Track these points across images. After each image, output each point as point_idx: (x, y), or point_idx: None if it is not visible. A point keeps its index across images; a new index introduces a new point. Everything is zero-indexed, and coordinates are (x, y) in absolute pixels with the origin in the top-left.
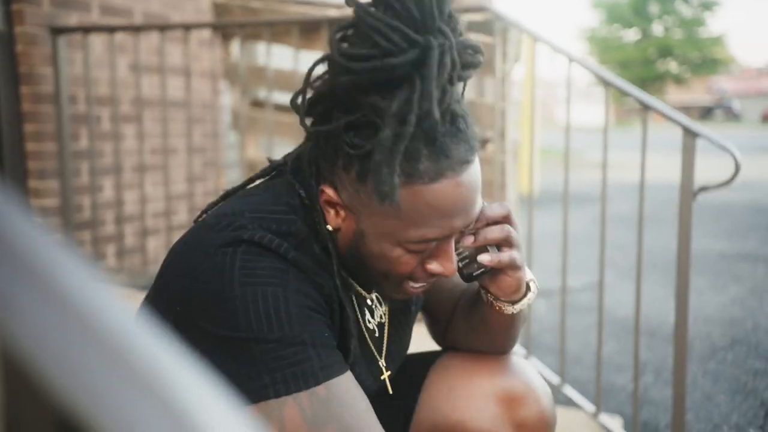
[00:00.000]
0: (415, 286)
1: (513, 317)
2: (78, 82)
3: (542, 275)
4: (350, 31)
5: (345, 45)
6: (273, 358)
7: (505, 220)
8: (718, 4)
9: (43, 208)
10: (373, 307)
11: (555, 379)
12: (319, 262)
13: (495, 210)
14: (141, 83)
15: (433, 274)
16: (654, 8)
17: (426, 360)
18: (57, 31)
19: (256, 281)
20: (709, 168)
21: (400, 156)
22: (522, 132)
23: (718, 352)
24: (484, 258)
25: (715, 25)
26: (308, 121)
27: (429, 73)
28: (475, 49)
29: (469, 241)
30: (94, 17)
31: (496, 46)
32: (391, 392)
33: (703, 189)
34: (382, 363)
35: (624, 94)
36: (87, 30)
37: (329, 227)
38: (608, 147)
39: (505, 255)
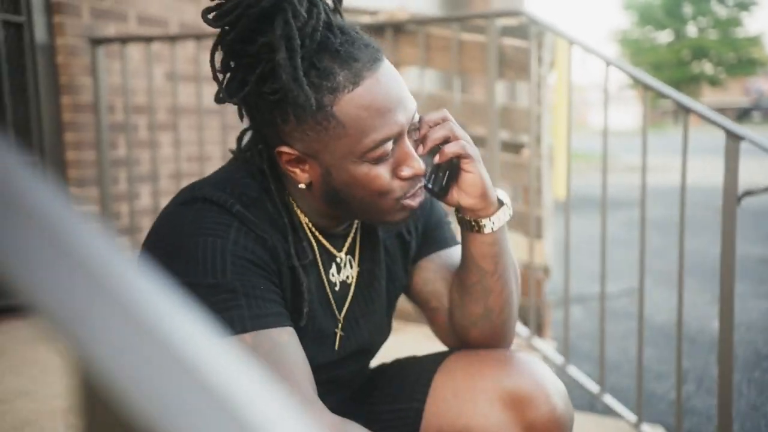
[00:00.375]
0: (405, 202)
1: (494, 243)
2: (116, 92)
3: (578, 281)
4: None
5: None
6: (206, 302)
7: (444, 122)
8: (755, 3)
9: (83, 215)
10: (341, 265)
11: (594, 388)
12: (272, 221)
13: (433, 115)
14: (177, 91)
15: (408, 178)
16: (688, 9)
17: (433, 361)
18: (96, 41)
19: (200, 232)
20: (747, 171)
21: (300, 66)
22: (556, 136)
23: (763, 361)
24: (436, 158)
25: (752, 25)
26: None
27: None
28: None
29: (420, 150)
30: (132, 27)
31: (531, 50)
32: (336, 348)
33: (748, 193)
34: (339, 318)
35: (664, 97)
36: (125, 40)
37: (302, 185)
38: (636, 150)
39: (452, 144)
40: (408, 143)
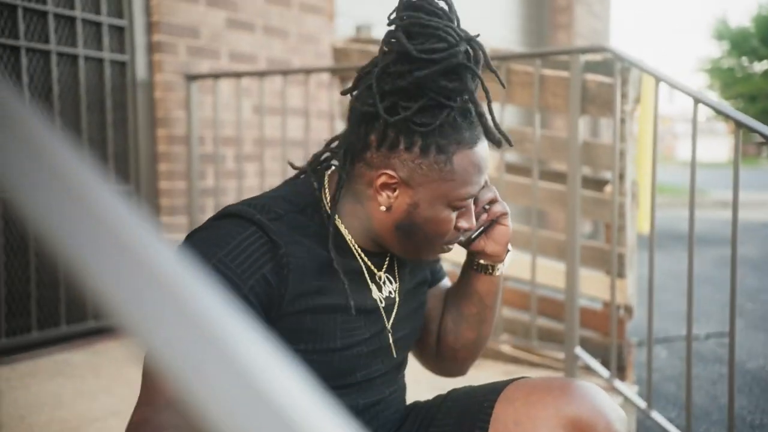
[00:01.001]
0: (448, 246)
1: (499, 281)
2: (206, 124)
3: (663, 321)
4: (409, 35)
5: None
6: None
7: (488, 185)
8: None
9: (172, 243)
10: (381, 283)
11: None
12: (301, 236)
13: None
14: (263, 124)
15: (463, 230)
16: None
17: (492, 391)
18: (191, 77)
19: (207, 242)
20: None
21: (472, 118)
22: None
23: None
24: (483, 216)
25: None
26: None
27: (477, 62)
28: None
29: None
30: (223, 64)
31: (615, 86)
32: (402, 353)
33: None
34: (389, 329)
35: (753, 131)
36: (217, 76)
37: (382, 208)
38: (718, 186)
39: (497, 205)
40: (472, 208)
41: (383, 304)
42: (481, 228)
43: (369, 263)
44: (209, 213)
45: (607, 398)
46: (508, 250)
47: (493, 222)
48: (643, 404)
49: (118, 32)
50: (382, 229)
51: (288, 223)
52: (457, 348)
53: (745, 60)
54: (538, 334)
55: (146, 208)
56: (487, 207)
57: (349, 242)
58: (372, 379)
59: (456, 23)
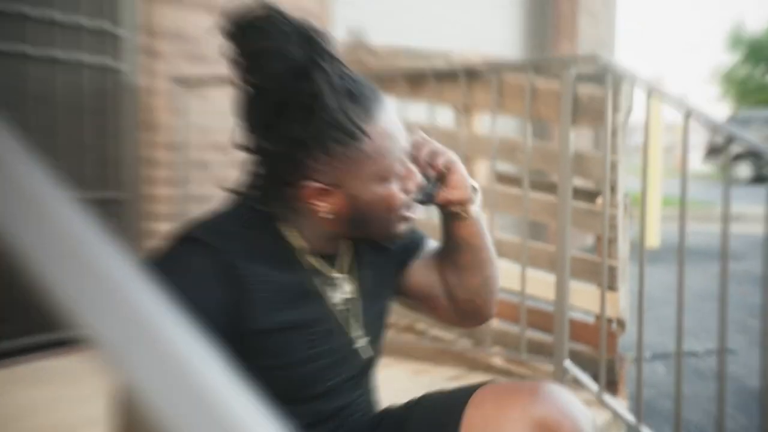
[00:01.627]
0: (409, 212)
1: (479, 222)
2: (197, 130)
3: (662, 336)
4: (244, 67)
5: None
6: None
7: (424, 142)
8: None
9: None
10: (337, 284)
11: None
12: (249, 251)
13: (414, 140)
14: None
15: (411, 191)
16: None
17: (464, 394)
18: (181, 82)
19: (162, 263)
20: None
21: (346, 107)
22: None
23: None
24: (431, 173)
25: None
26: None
27: (315, 49)
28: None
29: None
30: (214, 69)
31: (606, 97)
32: (369, 355)
33: None
34: (356, 333)
35: (744, 143)
36: (207, 81)
37: (327, 215)
38: (740, 199)
39: (440, 157)
40: (409, 164)
41: (342, 307)
42: (433, 184)
43: (321, 269)
44: None
45: (574, 399)
46: (475, 189)
47: (443, 177)
48: (632, 419)
49: (110, 38)
50: (340, 230)
51: (242, 242)
52: (469, 298)
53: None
54: (529, 346)
55: (135, 214)
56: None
57: (297, 253)
58: (338, 386)
59: (282, 23)
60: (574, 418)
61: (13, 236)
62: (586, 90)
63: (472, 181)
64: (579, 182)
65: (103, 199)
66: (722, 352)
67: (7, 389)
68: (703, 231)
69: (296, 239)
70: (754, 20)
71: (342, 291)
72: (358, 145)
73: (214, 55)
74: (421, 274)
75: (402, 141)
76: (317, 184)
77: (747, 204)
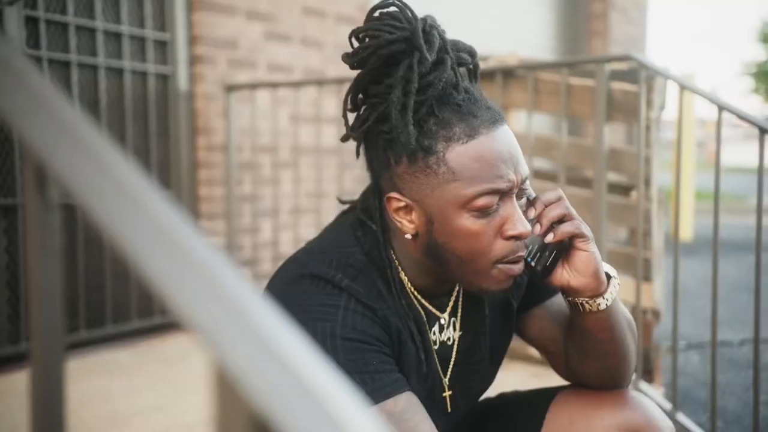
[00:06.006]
0: (504, 267)
1: (609, 316)
2: (244, 133)
3: (697, 326)
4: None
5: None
6: None
7: (559, 201)
8: None
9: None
10: (444, 325)
11: None
12: (379, 289)
13: (549, 195)
14: (299, 132)
15: (511, 237)
16: None
17: (545, 395)
18: (230, 88)
19: (310, 316)
20: None
21: (410, 107)
22: (682, 178)
23: None
24: (549, 236)
25: None
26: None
27: (419, 43)
28: (468, 51)
29: (536, 230)
30: (261, 74)
31: (640, 94)
32: (449, 410)
33: None
34: (445, 381)
35: None
36: (254, 86)
37: (408, 236)
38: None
39: (567, 224)
40: (516, 205)
41: (437, 348)
42: (551, 254)
43: (430, 307)
44: (247, 218)
45: (657, 408)
46: (610, 277)
47: (567, 246)
48: (668, 406)
49: (161, 46)
50: (424, 260)
51: (366, 280)
52: (582, 375)
53: None
54: None
55: (187, 213)
56: (555, 226)
57: (408, 289)
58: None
59: (406, 13)
60: (657, 423)
61: (114, 233)
62: (619, 87)
63: (608, 268)
64: (614, 177)
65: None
66: (757, 341)
67: (76, 378)
68: (737, 224)
69: (401, 272)
70: None
71: (445, 333)
72: (445, 161)
73: (261, 61)
74: (543, 326)
75: (510, 173)
76: (400, 197)
77: None
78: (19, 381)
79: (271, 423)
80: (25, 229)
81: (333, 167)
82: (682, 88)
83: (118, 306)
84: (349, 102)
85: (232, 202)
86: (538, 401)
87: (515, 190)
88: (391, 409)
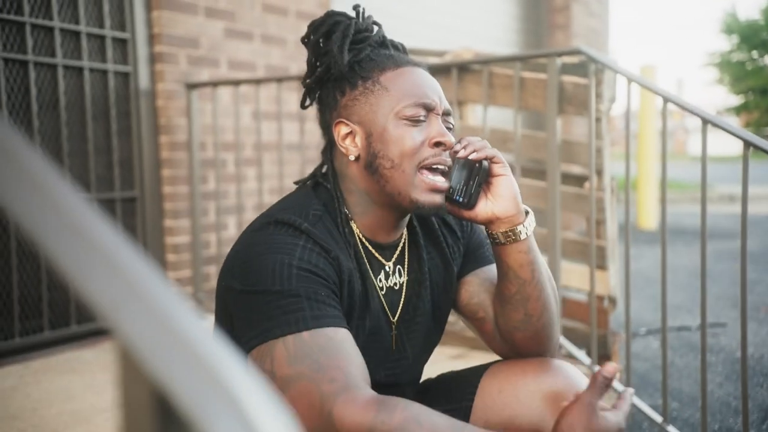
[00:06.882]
0: (428, 178)
1: (529, 250)
2: (207, 131)
3: (658, 312)
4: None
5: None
6: (273, 306)
7: (482, 141)
8: None
9: (176, 245)
10: (389, 272)
11: (658, 418)
12: (334, 236)
13: (474, 137)
14: (261, 129)
15: (437, 144)
16: None
17: (478, 369)
18: (191, 86)
19: (271, 249)
20: None
21: (347, 46)
22: (640, 166)
23: None
24: (473, 155)
25: None
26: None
27: (356, 15)
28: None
29: (461, 152)
30: (223, 72)
31: (590, 87)
32: (393, 347)
33: None
34: (393, 321)
35: (734, 135)
36: (216, 84)
37: (352, 157)
38: (725, 180)
39: (487, 148)
40: (441, 124)
41: (384, 292)
42: (473, 182)
43: (378, 256)
44: (211, 216)
45: (579, 373)
46: (527, 212)
47: (487, 174)
48: (621, 388)
49: (121, 44)
50: (365, 184)
51: (323, 226)
52: (510, 330)
53: (755, 53)
54: None
55: (150, 212)
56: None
57: (357, 236)
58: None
59: (335, 17)
60: (579, 386)
61: (42, 237)
62: (570, 80)
63: (525, 206)
64: (575, 169)
65: (124, 198)
66: (703, 325)
67: (39, 377)
68: (698, 212)
69: (354, 225)
70: (748, 5)
71: (391, 279)
72: (379, 81)
73: (222, 58)
74: (473, 291)
75: (434, 95)
76: (345, 122)
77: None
78: None
79: (173, 398)
80: None
81: (295, 163)
82: (630, 80)
83: (83, 305)
84: (307, 67)
85: (196, 200)
86: (471, 375)
87: (439, 111)
88: (328, 336)
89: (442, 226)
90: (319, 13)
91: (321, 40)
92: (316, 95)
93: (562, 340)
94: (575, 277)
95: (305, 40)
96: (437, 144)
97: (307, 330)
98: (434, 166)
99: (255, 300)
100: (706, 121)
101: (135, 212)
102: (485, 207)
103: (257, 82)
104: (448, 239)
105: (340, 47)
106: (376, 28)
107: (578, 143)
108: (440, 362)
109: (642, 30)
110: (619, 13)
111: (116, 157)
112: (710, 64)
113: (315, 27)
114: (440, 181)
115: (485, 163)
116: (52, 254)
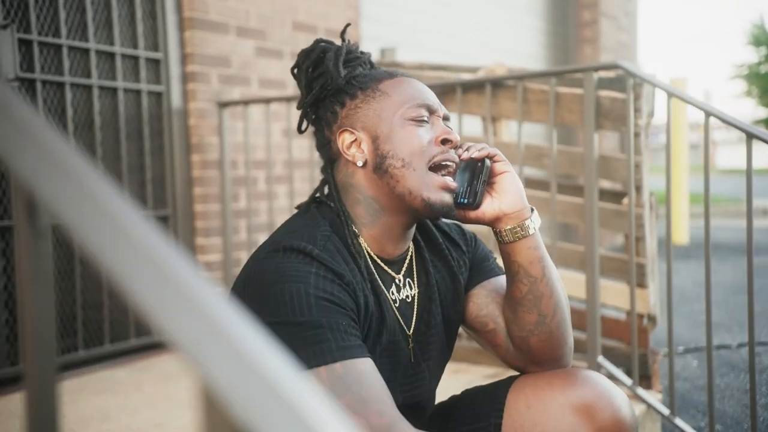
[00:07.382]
0: (439, 178)
1: (538, 246)
2: (238, 149)
3: (695, 330)
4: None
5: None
6: (298, 338)
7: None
8: None
9: (208, 263)
10: (400, 285)
11: None
12: (344, 255)
13: (477, 144)
14: (292, 147)
15: (443, 141)
16: None
17: (504, 383)
18: (223, 104)
19: (285, 279)
20: None
21: (341, 61)
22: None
23: None
24: (475, 154)
25: None
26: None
27: (343, 42)
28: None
29: (464, 155)
30: (254, 90)
31: (628, 101)
32: (411, 361)
33: None
34: (409, 334)
35: (764, 141)
36: (247, 102)
37: (359, 163)
38: (762, 194)
39: (487, 148)
40: (443, 125)
41: (397, 305)
42: (478, 181)
43: (388, 269)
44: (243, 234)
45: (608, 382)
46: (533, 209)
47: (489, 173)
48: (666, 411)
49: (154, 65)
50: (374, 189)
51: (332, 248)
52: (524, 336)
53: None
54: None
55: (182, 230)
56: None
57: (366, 251)
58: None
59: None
60: (609, 396)
61: (99, 254)
62: (607, 95)
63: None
64: (607, 184)
65: (157, 216)
66: (751, 344)
67: (74, 397)
68: (733, 226)
69: (362, 241)
70: None
71: (403, 292)
72: (378, 88)
73: (253, 77)
74: (482, 303)
75: (433, 100)
76: (350, 130)
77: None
78: (17, 402)
79: None
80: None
81: None
82: (670, 95)
83: (116, 324)
84: (301, 93)
85: (227, 218)
86: (497, 390)
87: (441, 114)
88: (358, 369)
89: (445, 240)
90: (350, 30)
91: (311, 69)
92: (312, 117)
93: (601, 360)
94: (613, 294)
95: (295, 70)
96: (444, 141)
97: (337, 362)
98: (444, 163)
99: (279, 331)
100: (750, 136)
101: (167, 231)
102: (491, 205)
103: (288, 99)
104: (452, 253)
105: (335, 64)
106: (363, 53)
107: (614, 158)
108: (475, 382)
109: (669, 42)
110: (645, 26)
111: (149, 176)
112: (738, 76)
113: (305, 54)
114: (450, 180)
115: (487, 161)
116: (127, 287)
